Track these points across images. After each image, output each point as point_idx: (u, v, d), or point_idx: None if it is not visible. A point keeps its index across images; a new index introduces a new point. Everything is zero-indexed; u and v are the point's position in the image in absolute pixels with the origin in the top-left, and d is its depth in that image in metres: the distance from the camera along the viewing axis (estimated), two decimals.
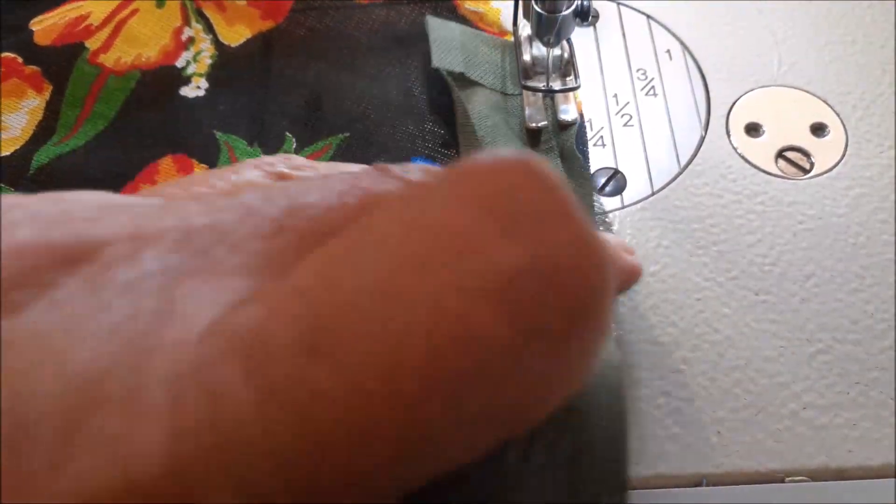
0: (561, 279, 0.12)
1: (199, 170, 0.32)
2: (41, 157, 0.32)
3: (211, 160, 0.33)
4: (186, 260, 0.13)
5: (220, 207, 0.15)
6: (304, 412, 0.11)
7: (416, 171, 0.16)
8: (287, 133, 0.34)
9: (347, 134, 0.33)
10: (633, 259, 0.26)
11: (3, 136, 0.33)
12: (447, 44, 0.35)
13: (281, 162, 0.21)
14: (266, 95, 0.35)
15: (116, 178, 0.32)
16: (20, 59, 0.35)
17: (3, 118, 0.34)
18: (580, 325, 0.13)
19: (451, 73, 0.33)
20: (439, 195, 0.13)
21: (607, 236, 0.24)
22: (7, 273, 0.13)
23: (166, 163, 0.33)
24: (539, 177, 0.13)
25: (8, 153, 0.33)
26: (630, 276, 0.26)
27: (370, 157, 0.33)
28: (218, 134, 0.33)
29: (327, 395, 0.11)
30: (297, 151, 0.33)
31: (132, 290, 0.13)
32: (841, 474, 0.25)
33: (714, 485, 0.25)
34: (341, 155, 0.33)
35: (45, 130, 0.34)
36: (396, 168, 0.16)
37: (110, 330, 0.12)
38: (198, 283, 0.13)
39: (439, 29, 0.35)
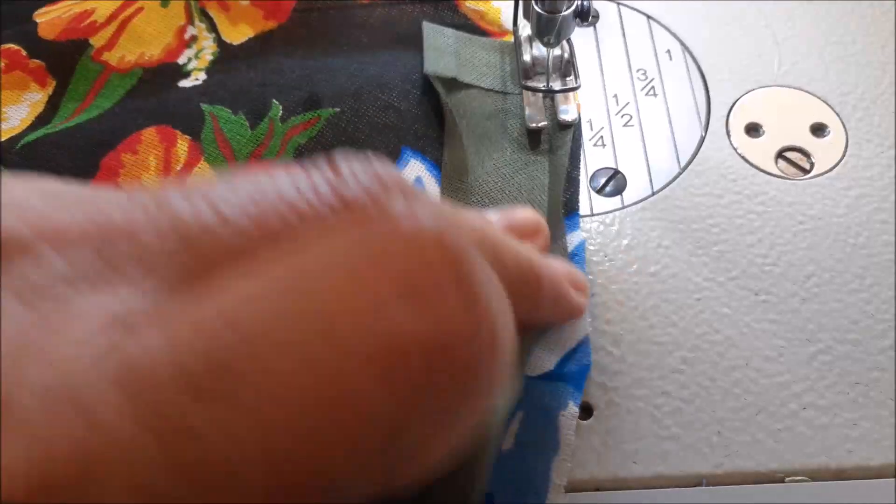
0: (448, 349, 0.12)
1: (183, 141, 0.32)
2: (30, 137, 0.33)
3: (195, 131, 0.33)
4: (93, 263, 0.13)
5: (142, 205, 0.14)
6: (177, 450, 0.11)
7: (358, 180, 0.15)
8: (273, 100, 0.33)
9: (338, 109, 0.33)
10: (579, 298, 0.25)
11: (2, 127, 0.33)
12: (440, 50, 0.35)
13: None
14: (260, 74, 0.35)
15: (98, 146, 0.32)
16: (24, 52, 0.35)
17: (4, 110, 0.34)
18: (466, 393, 0.13)
19: (441, 79, 0.33)
20: (350, 248, 0.13)
21: (557, 271, 0.23)
22: None
23: (149, 133, 0.33)
24: (448, 248, 0.13)
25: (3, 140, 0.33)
26: (572, 315, 0.26)
27: (359, 138, 0.33)
28: (203, 105, 0.33)
29: (203, 437, 0.11)
30: (283, 120, 0.33)
31: (32, 293, 0.12)
32: (841, 474, 0.25)
33: (714, 485, 0.25)
34: (331, 130, 0.33)
35: (41, 121, 0.34)
36: (345, 170, 0.15)
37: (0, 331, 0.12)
38: (97, 290, 0.13)
39: (434, 37, 0.35)
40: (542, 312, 0.24)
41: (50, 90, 0.35)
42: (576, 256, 0.29)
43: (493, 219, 0.26)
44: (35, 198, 0.14)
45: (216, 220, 0.14)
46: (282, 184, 0.14)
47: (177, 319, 0.12)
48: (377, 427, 0.12)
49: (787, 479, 0.25)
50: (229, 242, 0.13)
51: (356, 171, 0.15)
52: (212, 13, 0.37)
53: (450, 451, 0.14)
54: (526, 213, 0.26)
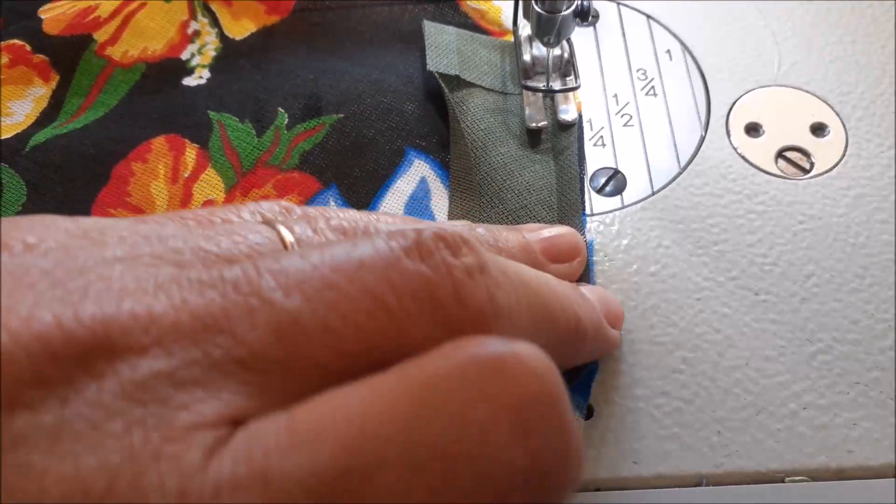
0: (551, 482, 0.14)
1: (191, 149, 0.33)
2: (39, 137, 0.33)
3: (203, 139, 0.33)
4: (189, 358, 0.14)
5: (234, 291, 0.15)
6: None
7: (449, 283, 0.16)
8: (280, 108, 0.34)
9: (342, 115, 0.33)
10: (614, 332, 0.26)
11: (6, 122, 0.34)
12: (443, 48, 0.35)
13: (287, 211, 0.21)
14: (264, 79, 0.35)
15: (109, 155, 0.32)
16: (28, 47, 0.35)
17: (8, 105, 0.34)
18: None
19: (445, 77, 0.33)
20: (461, 383, 0.14)
21: (597, 314, 0.24)
22: (23, 368, 0.13)
23: (159, 142, 0.33)
24: (548, 384, 0.14)
25: (8, 136, 0.33)
26: (607, 351, 0.26)
27: (363, 143, 0.33)
28: (211, 113, 0.34)
29: None
30: (288, 127, 0.33)
31: (137, 392, 0.13)
32: (841, 474, 0.25)
33: (714, 485, 0.25)
34: (335, 136, 0.33)
35: (47, 117, 0.34)
36: (440, 264, 0.16)
37: (115, 436, 0.13)
38: (198, 388, 0.14)
39: (435, 34, 0.35)
40: (581, 358, 0.25)
41: (53, 85, 0.35)
42: None
43: (533, 238, 0.26)
44: (140, 277, 0.15)
45: (316, 322, 0.15)
46: (371, 272, 0.16)
47: (299, 422, 0.14)
48: None
49: (787, 478, 0.25)
50: (325, 344, 0.15)
51: (444, 256, 0.16)
52: (214, 8, 0.37)
53: None
54: (566, 236, 0.27)
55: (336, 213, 0.21)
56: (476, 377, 0.14)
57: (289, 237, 0.19)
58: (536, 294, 0.20)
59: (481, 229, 0.24)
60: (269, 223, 0.19)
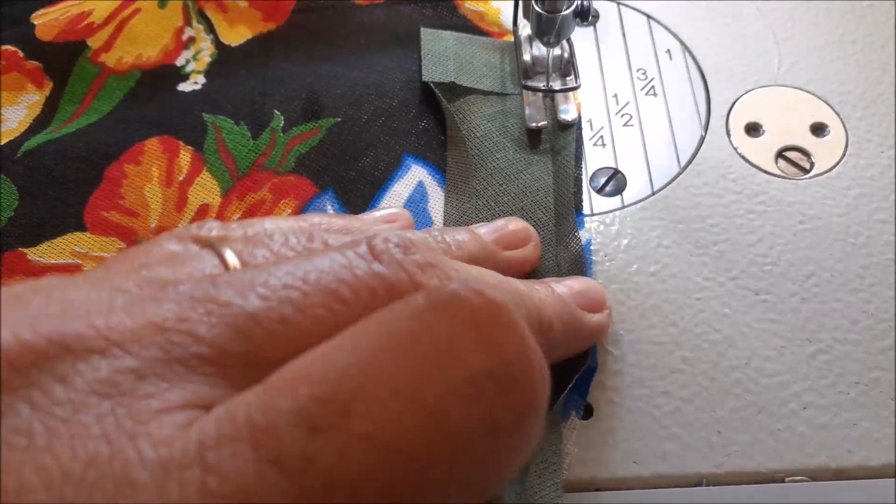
0: (513, 384, 0.15)
1: (186, 151, 0.32)
2: (31, 143, 0.32)
3: (197, 141, 0.33)
4: (161, 361, 0.15)
5: (190, 300, 0.16)
6: (303, 482, 0.13)
7: (399, 264, 0.18)
8: (276, 111, 0.33)
9: (339, 119, 0.33)
10: (597, 318, 0.26)
11: (1, 129, 0.33)
12: (438, 56, 0.35)
13: (208, 227, 0.22)
14: (260, 83, 0.35)
15: (102, 157, 0.32)
16: (21, 54, 0.35)
17: (1, 111, 0.34)
18: (525, 421, 0.16)
19: (440, 85, 0.33)
20: (427, 311, 0.16)
21: (565, 306, 0.25)
22: None
23: (152, 144, 0.33)
24: (497, 306, 0.16)
25: (1, 143, 0.33)
26: (592, 340, 0.26)
27: (360, 148, 0.33)
28: (205, 115, 0.33)
29: (320, 461, 0.13)
30: (284, 130, 0.33)
31: (103, 388, 0.14)
32: (841, 474, 0.25)
33: (714, 485, 0.25)
34: (332, 139, 0.33)
35: (40, 124, 0.34)
36: (385, 256, 0.18)
37: (87, 426, 0.14)
38: (161, 380, 0.15)
39: (431, 42, 0.35)
40: (559, 350, 0.25)
41: (47, 91, 0.34)
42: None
43: (483, 231, 0.26)
44: (91, 305, 0.16)
45: (274, 317, 0.16)
46: (327, 274, 0.17)
47: (277, 376, 0.15)
48: (467, 445, 0.15)
49: (787, 478, 0.25)
50: (287, 337, 0.16)
51: (394, 253, 0.18)
52: (210, 14, 0.37)
53: (512, 471, 0.17)
54: (514, 222, 0.28)
55: (282, 237, 0.21)
56: (434, 307, 0.16)
57: (233, 261, 0.19)
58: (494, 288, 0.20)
59: (434, 231, 0.25)
60: (210, 247, 0.20)
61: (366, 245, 0.18)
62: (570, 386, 0.26)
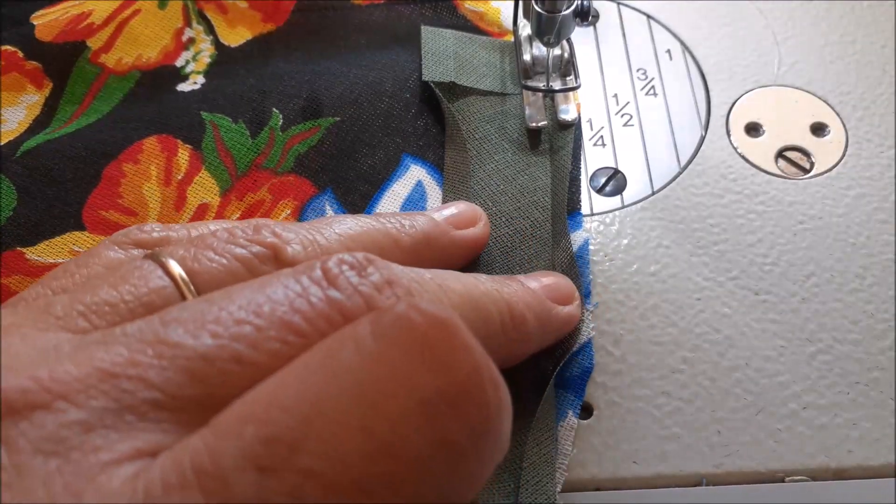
0: (466, 401, 0.15)
1: (184, 150, 0.32)
2: (30, 143, 0.32)
3: (195, 140, 0.32)
4: (98, 406, 0.15)
5: (139, 342, 0.16)
6: None
7: (353, 286, 0.17)
8: (275, 109, 0.33)
9: (338, 119, 0.33)
10: (567, 310, 0.26)
11: (1, 130, 0.33)
12: (438, 55, 0.35)
13: (149, 230, 0.22)
14: (259, 83, 0.35)
15: (100, 156, 0.32)
16: (21, 54, 0.35)
17: (1, 112, 0.34)
18: (483, 438, 0.15)
19: (440, 85, 0.33)
20: (372, 338, 0.15)
21: (535, 299, 0.25)
22: None
23: (150, 142, 0.32)
24: (443, 323, 0.15)
25: (0, 143, 0.33)
26: (564, 330, 0.26)
27: (359, 147, 0.33)
28: (203, 113, 0.33)
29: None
30: (283, 129, 0.33)
31: (48, 445, 0.14)
32: (841, 474, 0.25)
33: (714, 485, 0.25)
34: (331, 139, 0.33)
35: (40, 125, 0.34)
36: (340, 280, 0.18)
37: (32, 491, 0.13)
38: (111, 431, 0.14)
39: (432, 41, 0.35)
40: (533, 343, 0.25)
41: (47, 92, 0.34)
42: (580, 258, 0.29)
43: (439, 218, 0.27)
44: (35, 353, 0.16)
45: (227, 356, 0.16)
46: (281, 305, 0.17)
47: (221, 421, 0.14)
48: (423, 470, 0.14)
49: (787, 478, 0.25)
50: (241, 375, 0.16)
51: (349, 278, 0.17)
52: (209, 15, 0.37)
53: (469, 495, 0.16)
54: (462, 204, 0.28)
55: (225, 234, 0.21)
56: (379, 333, 0.15)
57: (177, 270, 0.19)
58: (460, 293, 0.21)
59: (392, 217, 0.25)
60: (152, 257, 0.19)
61: (320, 269, 0.18)
62: (550, 382, 0.26)
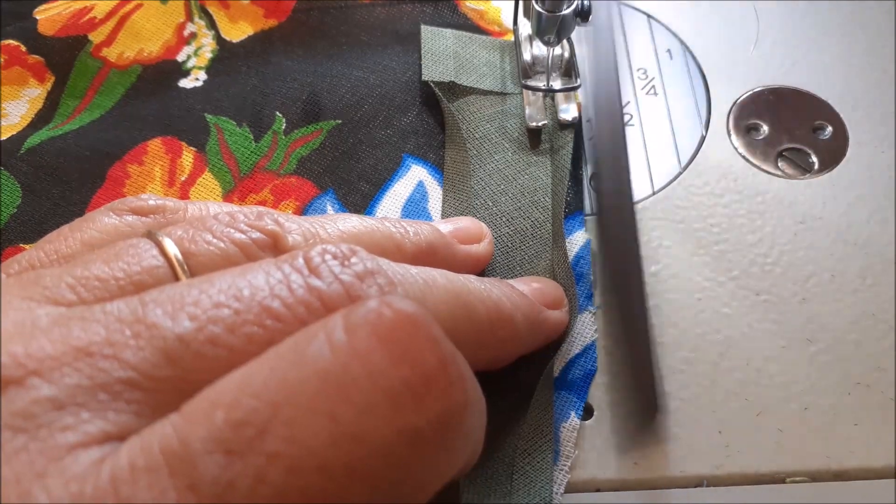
0: (429, 391, 0.15)
1: (188, 152, 0.32)
2: (34, 139, 0.33)
3: (200, 142, 0.33)
4: (71, 383, 0.15)
5: (118, 322, 0.16)
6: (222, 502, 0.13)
7: (335, 276, 0.18)
8: (277, 113, 0.34)
9: (340, 121, 0.33)
10: (556, 314, 0.26)
11: (3, 124, 0.33)
12: (438, 55, 0.35)
13: (145, 198, 0.22)
14: (261, 83, 0.35)
15: (105, 157, 0.32)
16: (23, 48, 0.35)
17: (3, 105, 0.34)
18: (447, 428, 0.16)
19: (440, 85, 0.33)
20: (342, 330, 0.15)
21: (524, 302, 0.25)
22: None
23: (155, 144, 0.33)
24: (410, 317, 0.16)
25: (3, 137, 0.33)
26: (553, 335, 0.26)
27: (360, 148, 0.33)
28: (208, 116, 0.34)
29: (242, 490, 0.13)
30: (286, 132, 0.33)
31: (17, 421, 0.14)
32: (841, 475, 0.25)
33: (714, 486, 0.25)
34: (332, 142, 0.33)
35: (42, 119, 0.34)
36: (323, 270, 0.18)
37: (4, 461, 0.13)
38: (82, 409, 0.14)
39: (431, 40, 0.35)
40: (522, 345, 0.25)
41: (49, 86, 0.35)
42: (581, 259, 0.29)
43: (444, 230, 0.27)
44: (13, 327, 0.15)
45: (204, 339, 0.16)
46: (261, 290, 0.17)
47: (192, 404, 0.15)
48: (387, 459, 0.15)
49: (787, 479, 0.25)
50: (217, 358, 0.16)
51: (332, 267, 0.18)
52: (211, 10, 0.37)
53: (437, 484, 0.17)
54: (466, 220, 0.28)
55: (227, 217, 0.21)
56: (349, 326, 0.15)
57: (172, 250, 0.19)
58: (446, 289, 0.21)
59: (396, 222, 0.25)
60: (150, 236, 0.19)
61: (302, 258, 0.18)
62: (548, 385, 0.26)
